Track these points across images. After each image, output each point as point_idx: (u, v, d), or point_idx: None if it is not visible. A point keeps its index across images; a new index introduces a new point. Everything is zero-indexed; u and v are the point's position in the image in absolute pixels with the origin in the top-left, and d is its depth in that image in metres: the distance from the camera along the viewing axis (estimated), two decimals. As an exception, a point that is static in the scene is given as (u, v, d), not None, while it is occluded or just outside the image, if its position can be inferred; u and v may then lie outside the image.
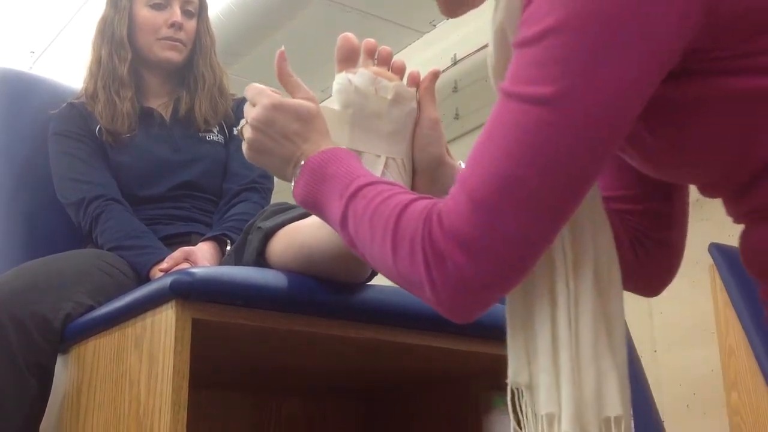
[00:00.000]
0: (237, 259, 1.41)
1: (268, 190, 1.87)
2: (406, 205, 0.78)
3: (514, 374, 0.82)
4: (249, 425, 1.76)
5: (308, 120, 0.95)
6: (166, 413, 1.08)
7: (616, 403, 0.78)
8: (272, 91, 0.98)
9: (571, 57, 0.70)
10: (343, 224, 0.85)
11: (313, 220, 1.28)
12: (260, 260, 1.32)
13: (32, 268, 1.49)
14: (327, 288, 1.25)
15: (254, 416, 1.77)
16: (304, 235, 1.26)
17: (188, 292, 1.13)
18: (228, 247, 1.65)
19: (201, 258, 1.60)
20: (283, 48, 1.01)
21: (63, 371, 1.41)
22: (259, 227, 1.34)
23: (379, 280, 1.35)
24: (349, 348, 1.37)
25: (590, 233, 0.83)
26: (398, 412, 1.82)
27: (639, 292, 1.02)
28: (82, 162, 1.76)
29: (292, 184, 0.94)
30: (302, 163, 0.92)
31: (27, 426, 1.37)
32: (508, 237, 0.71)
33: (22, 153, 1.87)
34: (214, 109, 1.86)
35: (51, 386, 1.40)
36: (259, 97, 0.97)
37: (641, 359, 2.04)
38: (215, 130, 1.87)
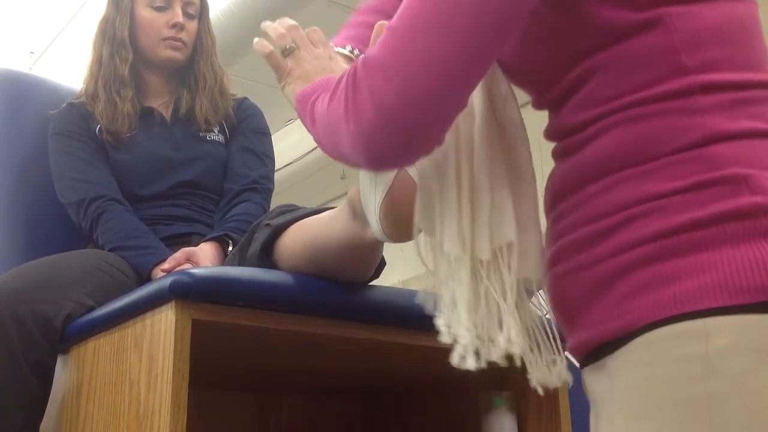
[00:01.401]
0: (240, 259, 1.41)
1: (269, 191, 1.87)
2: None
3: (419, 219, 0.90)
4: (249, 425, 1.76)
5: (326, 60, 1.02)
6: (166, 413, 1.08)
7: (509, 231, 0.84)
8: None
9: None
10: (311, 122, 0.88)
11: (324, 216, 1.28)
12: (263, 256, 1.32)
13: (33, 268, 1.49)
14: (327, 288, 1.25)
15: (254, 416, 1.77)
16: (316, 228, 1.27)
17: (188, 292, 1.13)
18: (230, 248, 1.65)
19: (203, 259, 1.60)
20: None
21: (63, 371, 1.41)
22: (268, 224, 1.34)
23: (380, 281, 1.35)
24: (349, 348, 1.37)
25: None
26: (398, 412, 1.82)
27: None
28: (82, 162, 1.76)
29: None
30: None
31: (27, 425, 1.37)
32: (417, 56, 0.73)
33: (22, 153, 1.87)
34: (215, 109, 1.86)
35: (51, 386, 1.40)
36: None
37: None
38: (216, 130, 1.87)
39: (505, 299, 0.86)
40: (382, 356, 1.45)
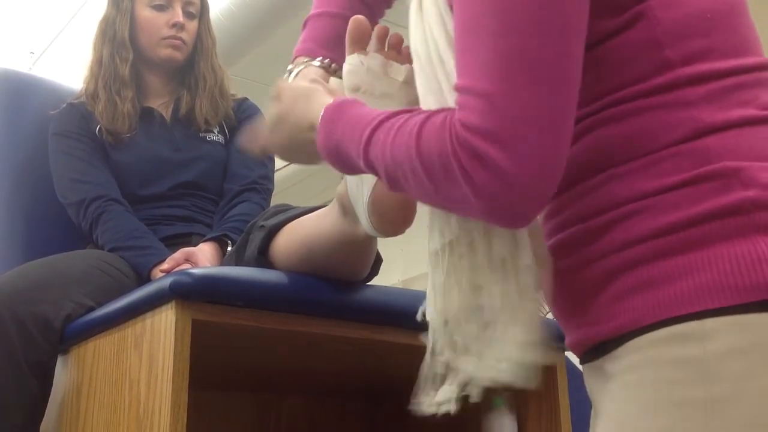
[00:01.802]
0: (238, 260, 1.41)
1: (269, 191, 1.87)
2: (423, 124, 0.74)
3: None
4: (249, 425, 1.76)
5: (310, 92, 0.92)
6: (166, 414, 1.08)
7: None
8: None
9: None
10: (369, 168, 0.80)
11: (315, 215, 1.28)
12: (261, 258, 1.32)
13: (33, 268, 1.49)
14: (327, 288, 1.25)
15: (254, 416, 1.77)
16: (306, 228, 1.27)
17: (188, 292, 1.13)
18: (229, 248, 1.65)
19: (202, 259, 1.60)
20: None
21: (63, 372, 1.41)
22: (262, 225, 1.34)
23: (378, 281, 1.35)
24: (349, 348, 1.37)
25: None
26: (398, 411, 1.82)
27: None
28: (82, 162, 1.76)
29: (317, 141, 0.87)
30: (320, 115, 0.87)
31: (27, 426, 1.37)
32: (529, 114, 0.68)
33: (22, 153, 1.87)
34: (215, 110, 1.86)
35: (51, 386, 1.40)
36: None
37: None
38: (215, 130, 1.87)
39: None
40: (382, 356, 1.45)
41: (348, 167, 0.84)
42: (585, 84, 0.75)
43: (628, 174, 0.74)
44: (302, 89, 0.93)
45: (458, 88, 0.72)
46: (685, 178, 0.71)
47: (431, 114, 0.75)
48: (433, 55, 0.84)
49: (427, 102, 0.83)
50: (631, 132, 0.75)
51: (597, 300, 0.75)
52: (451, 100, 0.79)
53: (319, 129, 0.84)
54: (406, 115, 0.77)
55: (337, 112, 0.84)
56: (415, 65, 0.87)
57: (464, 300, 0.82)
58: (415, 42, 0.88)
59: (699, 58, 0.75)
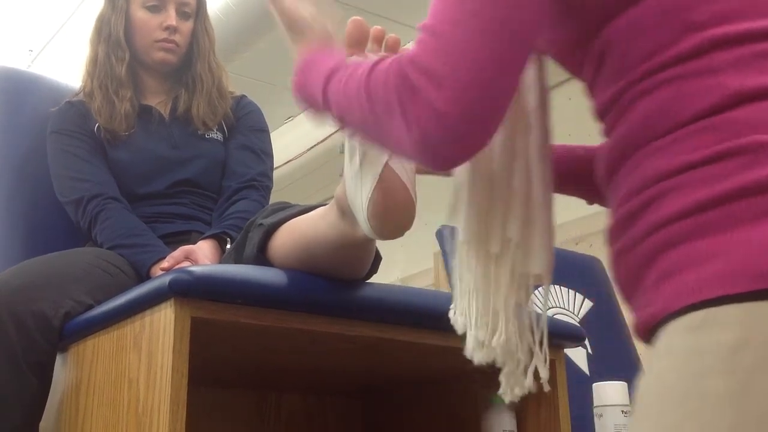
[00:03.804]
0: (237, 258, 1.41)
1: (267, 188, 1.86)
2: (374, 65, 0.79)
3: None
4: (248, 423, 1.76)
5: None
6: (166, 412, 1.08)
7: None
8: None
9: None
10: (326, 106, 0.86)
11: (313, 215, 1.28)
12: (260, 256, 1.32)
13: (32, 266, 1.49)
14: (326, 286, 1.25)
15: (254, 414, 1.77)
16: (304, 228, 1.27)
17: (187, 290, 1.13)
18: (228, 246, 1.65)
19: (202, 256, 1.59)
20: None
21: (62, 370, 1.41)
22: (261, 224, 1.34)
23: (378, 278, 1.35)
24: (349, 346, 1.37)
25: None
26: (397, 409, 1.82)
27: None
28: (80, 160, 1.76)
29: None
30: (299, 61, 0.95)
31: (26, 424, 1.37)
32: (468, 59, 0.72)
33: (20, 151, 1.86)
34: (213, 111, 1.86)
35: (50, 384, 1.40)
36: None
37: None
38: (214, 128, 1.87)
39: (504, 298, 0.86)
40: (381, 354, 1.45)
41: (312, 104, 0.91)
42: (615, 58, 0.75)
43: (658, 151, 0.72)
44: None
45: (419, 27, 0.76)
46: (711, 153, 0.68)
47: (383, 57, 0.80)
48: None
49: None
50: (661, 105, 0.72)
51: (642, 284, 0.73)
52: None
53: (295, 72, 0.93)
54: (371, 57, 0.84)
55: (309, 62, 0.92)
56: None
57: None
58: None
59: (727, 18, 0.71)
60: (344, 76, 0.83)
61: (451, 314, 0.95)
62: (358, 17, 1.04)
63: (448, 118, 0.72)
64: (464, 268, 0.92)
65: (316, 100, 0.89)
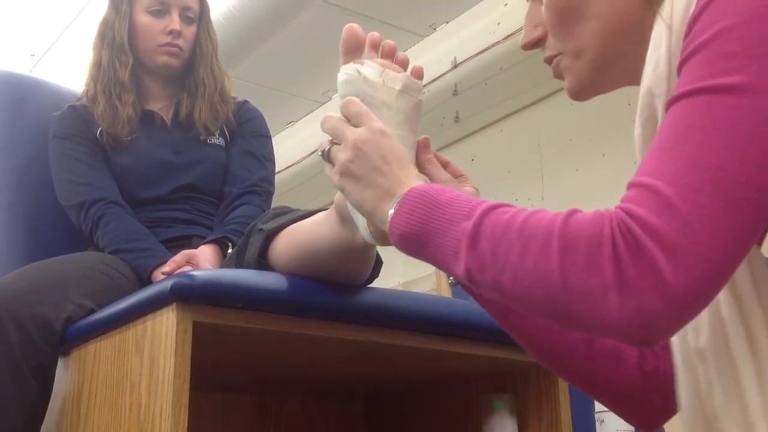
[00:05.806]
0: (238, 262, 1.41)
1: (269, 193, 1.87)
2: (569, 214, 0.71)
3: None
4: (250, 428, 1.76)
5: (404, 155, 0.91)
6: (167, 416, 1.08)
7: None
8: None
9: (750, 45, 0.68)
10: (471, 245, 0.75)
11: (313, 220, 1.28)
12: (262, 261, 1.32)
13: (34, 270, 1.49)
14: (328, 290, 1.25)
15: (255, 418, 1.77)
16: (305, 233, 1.27)
17: (189, 294, 1.13)
18: (229, 250, 1.65)
19: (203, 261, 1.60)
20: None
21: (63, 374, 1.41)
22: (261, 229, 1.34)
23: (379, 283, 1.35)
24: (350, 350, 1.37)
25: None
26: (399, 414, 1.82)
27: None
28: (82, 165, 1.77)
29: (389, 216, 0.84)
30: (403, 192, 0.83)
31: (27, 428, 1.37)
32: (707, 231, 0.65)
33: (22, 156, 1.87)
34: (215, 116, 1.86)
35: (52, 389, 1.40)
36: (363, 118, 0.92)
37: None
38: (216, 133, 1.87)
39: None
40: (382, 358, 1.45)
41: (423, 245, 0.80)
42: None
43: None
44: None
45: (635, 183, 0.69)
46: None
47: (576, 209, 0.71)
48: None
49: None
50: None
51: None
52: None
53: (401, 204, 0.82)
54: (527, 209, 0.74)
55: (432, 194, 0.81)
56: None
57: None
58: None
59: None
60: (518, 216, 0.73)
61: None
62: (354, 24, 1.04)
63: (675, 290, 0.65)
64: None
65: (444, 235, 0.78)
